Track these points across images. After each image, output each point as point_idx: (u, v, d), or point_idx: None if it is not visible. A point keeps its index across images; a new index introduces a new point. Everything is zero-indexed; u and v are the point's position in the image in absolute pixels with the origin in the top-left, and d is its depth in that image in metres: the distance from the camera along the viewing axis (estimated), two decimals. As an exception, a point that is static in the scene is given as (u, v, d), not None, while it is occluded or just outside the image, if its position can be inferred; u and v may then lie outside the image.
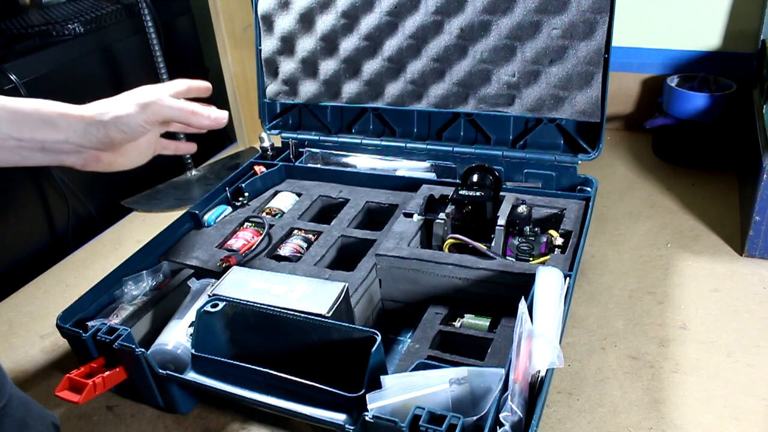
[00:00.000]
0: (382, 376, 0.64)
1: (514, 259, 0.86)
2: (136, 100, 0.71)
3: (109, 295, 0.86)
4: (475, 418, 0.60)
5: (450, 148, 1.11)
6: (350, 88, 1.13)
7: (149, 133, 0.72)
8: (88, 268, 1.13)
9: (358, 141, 1.18)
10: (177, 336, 0.78)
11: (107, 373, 0.73)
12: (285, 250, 0.92)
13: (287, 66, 1.17)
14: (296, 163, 1.18)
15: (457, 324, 0.81)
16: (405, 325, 0.88)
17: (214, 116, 0.76)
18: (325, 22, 1.11)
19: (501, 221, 0.87)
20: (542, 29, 0.98)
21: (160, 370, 0.73)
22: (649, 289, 0.94)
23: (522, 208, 0.90)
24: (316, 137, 1.21)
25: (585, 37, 0.96)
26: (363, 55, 1.10)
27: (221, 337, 0.75)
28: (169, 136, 0.78)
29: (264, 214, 1.03)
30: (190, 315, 0.80)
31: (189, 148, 0.82)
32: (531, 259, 0.85)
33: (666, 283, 0.95)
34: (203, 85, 0.82)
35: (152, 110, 0.72)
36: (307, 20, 1.12)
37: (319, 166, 1.17)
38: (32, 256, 1.21)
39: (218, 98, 1.72)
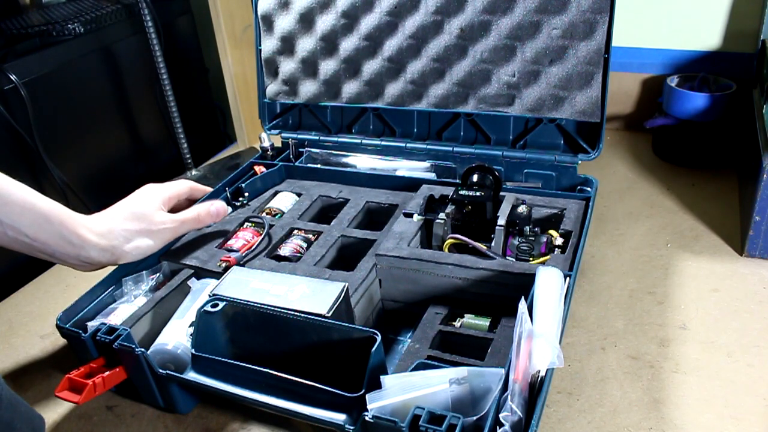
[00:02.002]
0: (382, 376, 0.64)
1: (514, 259, 0.86)
2: (153, 234, 0.78)
3: (109, 295, 0.86)
4: (475, 418, 0.60)
5: (450, 148, 1.11)
6: (350, 88, 1.13)
7: None
8: (88, 268, 1.13)
9: (358, 141, 1.18)
10: (177, 336, 0.78)
11: (107, 373, 0.73)
12: (285, 250, 0.91)
13: (287, 66, 1.17)
14: (296, 163, 1.18)
15: (457, 324, 0.81)
16: (405, 325, 0.88)
17: (214, 212, 0.89)
18: (325, 22, 1.11)
19: (501, 221, 0.87)
20: (542, 29, 0.98)
21: (160, 370, 0.73)
22: (649, 289, 0.94)
23: (522, 208, 0.90)
24: (316, 137, 1.21)
25: (585, 37, 0.96)
26: (363, 55, 1.10)
27: (221, 337, 0.75)
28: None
29: (264, 214, 1.03)
30: (190, 315, 0.80)
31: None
32: (531, 259, 0.85)
33: (666, 283, 0.95)
34: (205, 189, 0.90)
35: (166, 241, 0.81)
36: (307, 20, 1.12)
37: (319, 166, 1.17)
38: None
39: (218, 98, 1.73)
